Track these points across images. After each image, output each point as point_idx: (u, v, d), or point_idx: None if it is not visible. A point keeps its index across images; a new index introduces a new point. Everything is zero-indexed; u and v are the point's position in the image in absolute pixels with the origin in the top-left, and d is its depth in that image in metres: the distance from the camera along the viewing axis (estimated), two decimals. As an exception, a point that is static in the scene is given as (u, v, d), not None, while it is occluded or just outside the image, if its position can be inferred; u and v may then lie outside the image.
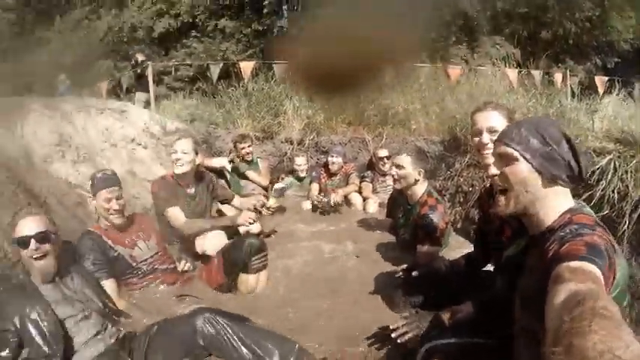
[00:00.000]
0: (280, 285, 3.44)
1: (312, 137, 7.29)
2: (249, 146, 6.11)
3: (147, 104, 9.11)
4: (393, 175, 3.84)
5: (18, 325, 2.26)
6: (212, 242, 3.64)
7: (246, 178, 6.03)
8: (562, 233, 1.44)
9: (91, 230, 3.16)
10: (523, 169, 1.54)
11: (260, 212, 3.92)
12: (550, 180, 1.54)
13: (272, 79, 8.55)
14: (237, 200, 4.28)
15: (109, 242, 3.15)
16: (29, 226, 2.49)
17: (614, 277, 1.36)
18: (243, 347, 2.30)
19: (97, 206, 3.18)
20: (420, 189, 3.79)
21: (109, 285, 2.96)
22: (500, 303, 1.84)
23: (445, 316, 2.12)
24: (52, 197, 3.92)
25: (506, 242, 2.12)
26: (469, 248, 3.26)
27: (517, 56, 13.18)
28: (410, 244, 3.77)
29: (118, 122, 5.38)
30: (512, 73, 8.71)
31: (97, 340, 2.48)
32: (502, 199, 1.60)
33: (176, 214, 3.74)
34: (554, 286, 1.20)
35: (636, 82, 10.79)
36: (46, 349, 2.24)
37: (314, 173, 6.17)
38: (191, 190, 3.99)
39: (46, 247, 2.49)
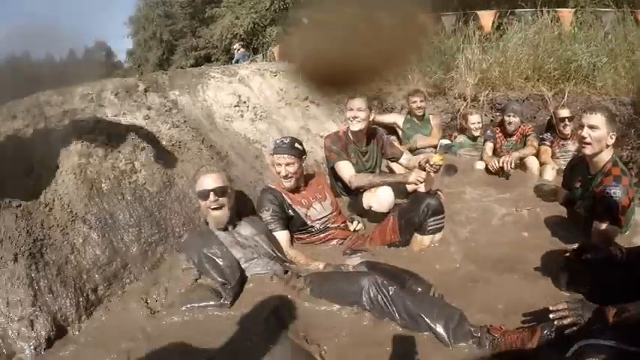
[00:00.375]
0: (446, 249, 3.29)
1: (486, 93, 6.86)
2: (421, 101, 5.91)
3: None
4: (583, 138, 3.20)
5: (196, 261, 2.84)
6: (379, 198, 3.66)
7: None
8: None
9: (273, 187, 3.48)
10: None
11: (424, 169, 3.69)
12: None
13: (442, 31, 8.23)
14: (405, 158, 4.17)
15: (288, 200, 3.42)
16: (208, 181, 2.99)
17: None
18: (404, 313, 2.32)
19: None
20: (606, 156, 3.25)
21: (281, 236, 3.28)
22: None
23: (610, 313, 1.92)
24: (232, 152, 4.23)
25: None
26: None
27: None
28: (585, 219, 3.34)
29: (292, 82, 5.57)
30: None
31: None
32: None
33: (346, 167, 3.87)
34: None
35: None
36: (220, 279, 2.72)
37: (488, 132, 5.72)
38: (362, 147, 4.07)
39: (223, 200, 2.98)
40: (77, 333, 2.59)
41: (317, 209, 3.50)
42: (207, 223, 3.13)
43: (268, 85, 5.43)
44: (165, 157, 3.66)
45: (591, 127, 3.17)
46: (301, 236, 3.48)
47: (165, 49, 29.61)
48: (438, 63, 7.54)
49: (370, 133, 4.12)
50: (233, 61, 14.87)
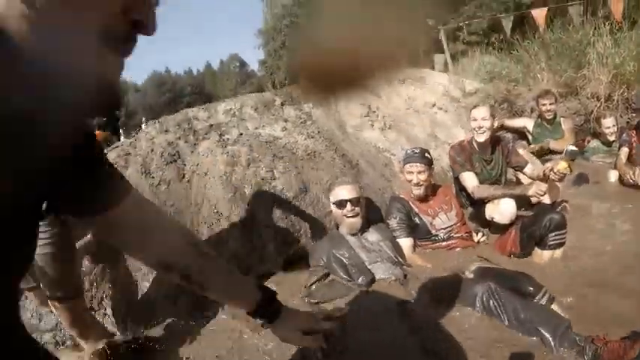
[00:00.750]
0: (568, 265, 3.20)
1: (621, 92, 6.42)
2: (550, 104, 5.66)
3: (445, 66, 9.28)
4: None
5: (325, 261, 3.13)
6: (501, 210, 3.68)
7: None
8: None
9: (401, 197, 3.78)
10: None
11: (548, 178, 3.59)
12: None
13: (569, 25, 7.91)
14: (529, 168, 4.03)
15: (415, 209, 3.66)
16: (345, 192, 3.32)
17: None
18: (515, 321, 2.42)
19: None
20: None
21: (405, 242, 3.52)
22: None
23: None
24: (362, 160, 4.48)
25: None
26: None
27: None
28: None
29: (418, 89, 5.73)
30: None
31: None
32: None
33: (470, 178, 3.95)
34: None
35: None
36: (346, 276, 3.01)
37: (624, 136, 5.15)
38: (487, 155, 4.09)
39: (357, 209, 3.30)
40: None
41: (442, 219, 3.67)
42: (337, 227, 3.46)
43: (396, 93, 5.62)
44: (300, 165, 4.02)
45: None
46: (425, 243, 3.67)
47: (295, 57, 30.66)
48: (568, 60, 7.15)
49: (495, 141, 4.13)
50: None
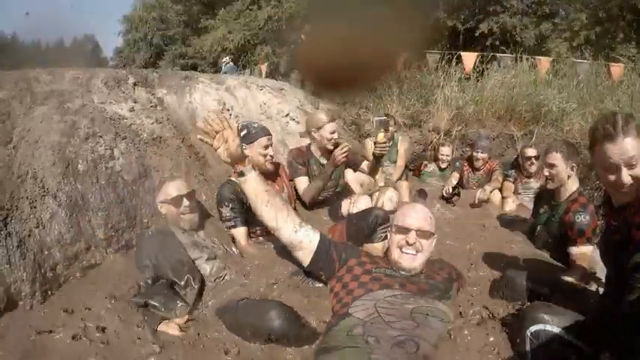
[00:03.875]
0: None
1: (459, 128, 7.15)
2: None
3: (303, 84, 9.49)
4: (546, 176, 3.64)
5: (153, 261, 2.78)
6: (359, 206, 3.79)
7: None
8: None
9: (233, 180, 3.31)
10: None
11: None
12: None
13: (425, 66, 8.58)
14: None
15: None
16: (179, 187, 3.06)
17: None
18: None
19: (252, 155, 3.47)
20: (572, 185, 3.60)
21: (240, 232, 3.36)
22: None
23: None
24: (208, 153, 4.30)
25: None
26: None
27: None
28: (548, 245, 3.67)
29: (275, 98, 5.73)
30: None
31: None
32: None
33: (302, 182, 4.07)
34: None
35: None
36: (175, 278, 2.71)
37: (457, 164, 6.11)
38: (324, 159, 4.20)
39: (193, 203, 3.06)
40: (28, 308, 2.64)
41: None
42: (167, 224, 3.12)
43: (253, 97, 5.57)
44: (144, 149, 3.78)
45: (550, 165, 3.56)
46: (258, 230, 3.52)
47: (153, 53, 29.37)
48: (417, 96, 7.85)
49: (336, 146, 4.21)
50: (221, 73, 15.09)
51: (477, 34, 16.06)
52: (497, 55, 10.40)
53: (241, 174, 2.68)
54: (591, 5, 14.86)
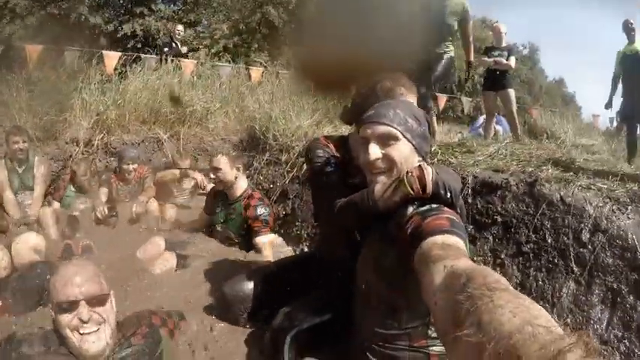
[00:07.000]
0: None
1: (101, 137, 6.39)
2: (23, 142, 4.96)
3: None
4: (212, 178, 3.96)
5: None
6: None
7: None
8: (424, 208, 1.58)
9: None
10: (405, 148, 1.68)
11: None
12: (422, 157, 1.74)
13: (61, 66, 7.76)
14: None
15: None
16: None
17: None
18: None
19: None
20: (242, 184, 4.00)
21: None
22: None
23: None
24: None
25: None
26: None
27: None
28: (233, 239, 3.97)
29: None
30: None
31: None
32: (382, 178, 1.69)
33: None
34: (427, 265, 1.21)
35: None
36: None
37: (103, 177, 5.32)
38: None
39: None
40: None
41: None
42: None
43: None
44: None
45: (215, 169, 3.87)
46: None
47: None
48: (52, 102, 6.67)
49: None
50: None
51: (119, 35, 16.27)
52: (142, 55, 10.14)
53: None
54: (234, 18, 16.95)
